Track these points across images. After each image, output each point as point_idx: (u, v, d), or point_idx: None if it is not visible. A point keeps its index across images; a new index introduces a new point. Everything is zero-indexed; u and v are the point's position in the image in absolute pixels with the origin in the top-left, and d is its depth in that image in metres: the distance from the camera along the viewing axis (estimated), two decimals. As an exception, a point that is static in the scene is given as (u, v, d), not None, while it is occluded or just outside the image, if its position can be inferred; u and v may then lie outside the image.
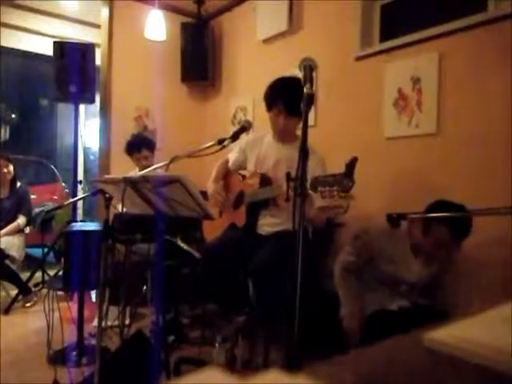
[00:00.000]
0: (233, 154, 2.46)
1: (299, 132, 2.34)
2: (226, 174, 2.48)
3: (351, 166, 1.32)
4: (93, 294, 3.21)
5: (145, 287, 2.88)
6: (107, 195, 1.83)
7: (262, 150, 2.33)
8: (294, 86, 2.13)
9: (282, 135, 2.27)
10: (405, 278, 1.98)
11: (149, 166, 2.61)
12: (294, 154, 2.20)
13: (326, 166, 2.15)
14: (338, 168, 1.34)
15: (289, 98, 2.12)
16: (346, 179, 1.32)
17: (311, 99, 2.19)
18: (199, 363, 2.17)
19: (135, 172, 3.29)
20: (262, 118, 2.29)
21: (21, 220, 3.57)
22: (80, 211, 4.45)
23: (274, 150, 2.30)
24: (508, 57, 2.11)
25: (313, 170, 1.53)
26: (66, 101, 3.23)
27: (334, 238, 2.88)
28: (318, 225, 2.17)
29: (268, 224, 2.26)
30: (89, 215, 5.08)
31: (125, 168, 3.41)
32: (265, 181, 2.21)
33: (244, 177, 2.44)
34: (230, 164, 2.47)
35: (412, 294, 2.01)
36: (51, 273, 3.21)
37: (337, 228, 2.83)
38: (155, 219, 1.69)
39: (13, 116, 5.97)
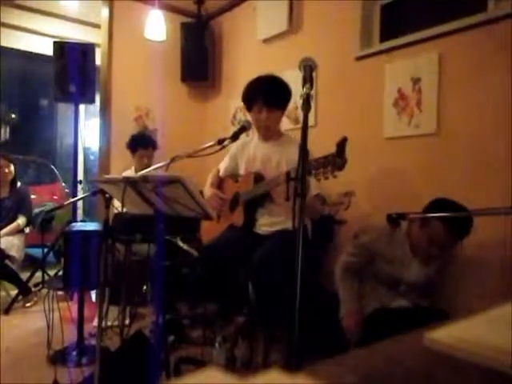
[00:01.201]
0: (223, 163, 2.50)
1: (285, 132, 2.38)
2: (219, 183, 2.50)
3: (342, 145, 1.35)
4: (93, 294, 3.21)
5: (145, 287, 2.88)
6: (107, 195, 1.83)
7: (251, 152, 2.37)
8: (269, 81, 2.25)
9: (266, 132, 2.31)
10: (404, 278, 1.98)
11: (149, 166, 2.61)
12: (279, 149, 2.26)
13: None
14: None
15: (267, 93, 2.20)
16: (337, 158, 1.35)
17: (290, 94, 2.25)
18: (199, 363, 2.17)
19: (131, 171, 3.28)
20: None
21: (21, 220, 3.57)
22: (80, 211, 4.45)
23: (260, 148, 2.34)
24: (508, 57, 2.11)
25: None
26: (65, 101, 3.23)
27: (334, 236, 2.88)
28: (312, 214, 2.15)
29: (267, 224, 2.27)
30: (89, 215, 5.08)
31: (125, 167, 3.41)
32: (258, 178, 2.23)
33: (237, 181, 2.46)
34: (221, 173, 2.49)
35: (411, 294, 2.01)
36: (51, 273, 3.21)
37: (337, 226, 2.83)
38: (155, 219, 1.69)
39: (13, 116, 5.96)
